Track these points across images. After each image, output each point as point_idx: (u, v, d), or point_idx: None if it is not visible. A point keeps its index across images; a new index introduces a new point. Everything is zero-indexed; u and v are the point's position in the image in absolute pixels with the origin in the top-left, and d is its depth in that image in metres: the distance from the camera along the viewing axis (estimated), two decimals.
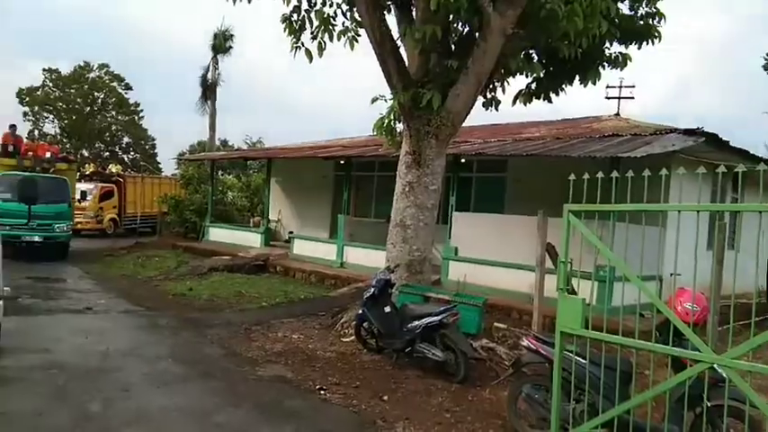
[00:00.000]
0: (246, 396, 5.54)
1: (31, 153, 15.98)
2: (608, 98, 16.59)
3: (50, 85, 37.22)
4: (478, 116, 15.08)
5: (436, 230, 9.36)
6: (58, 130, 38.27)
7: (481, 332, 7.70)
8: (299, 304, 10.55)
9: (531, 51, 8.96)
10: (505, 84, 9.23)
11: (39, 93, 36.74)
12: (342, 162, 15.79)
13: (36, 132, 37.15)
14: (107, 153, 38.08)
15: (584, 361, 4.36)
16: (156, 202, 22.61)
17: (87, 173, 25.80)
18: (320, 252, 14.59)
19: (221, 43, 35.77)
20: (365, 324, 7.46)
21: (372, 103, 9.30)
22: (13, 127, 16.32)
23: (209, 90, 36.29)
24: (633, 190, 4.01)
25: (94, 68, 38.81)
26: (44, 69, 37.10)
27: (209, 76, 36.43)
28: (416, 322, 6.67)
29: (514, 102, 9.61)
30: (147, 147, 40.50)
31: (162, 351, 6.98)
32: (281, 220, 18.93)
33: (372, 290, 7.20)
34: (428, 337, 6.65)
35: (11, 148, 15.91)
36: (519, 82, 9.43)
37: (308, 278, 13.38)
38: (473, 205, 13.59)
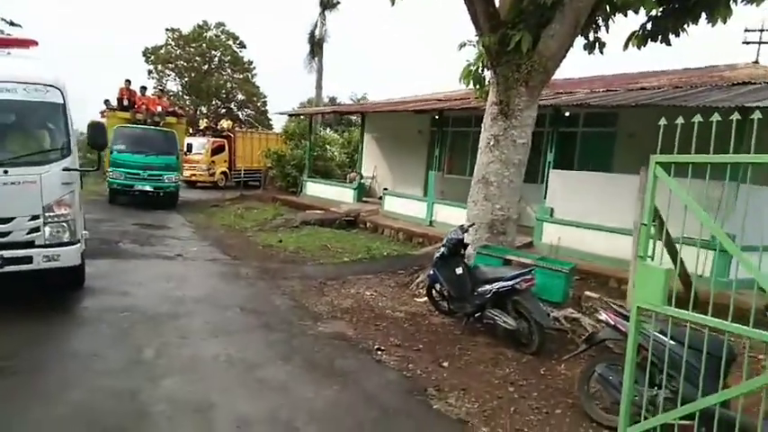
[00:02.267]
0: (300, 351, 5.38)
1: (144, 107, 16.96)
2: (746, 43, 14.34)
3: (172, 44, 39.56)
4: (590, 66, 13.68)
5: (532, 190, 8.62)
6: (179, 88, 40.81)
7: (568, 301, 7.00)
8: (380, 261, 10.32)
9: None
10: (611, 22, 8.06)
11: (162, 51, 39.22)
12: (437, 117, 15.16)
13: (160, 89, 39.82)
14: (223, 110, 40.05)
15: (666, 339, 3.67)
16: (260, 156, 23.42)
17: (201, 128, 27.30)
18: (410, 210, 14.24)
19: None
20: (437, 285, 7.05)
21: (460, 49, 8.63)
22: (128, 81, 17.38)
23: (316, 46, 36.66)
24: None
25: (212, 27, 40.61)
26: (167, 29, 39.57)
27: (317, 32, 36.84)
28: (487, 286, 6.13)
29: (626, 45, 8.37)
30: (258, 104, 42.12)
31: (233, 300, 7.05)
32: (375, 176, 18.78)
33: (442, 249, 6.73)
34: (500, 302, 6.10)
35: (126, 102, 17.02)
36: (632, 22, 8.23)
37: (395, 235, 13.13)
38: (577, 163, 12.49)
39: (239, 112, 41.89)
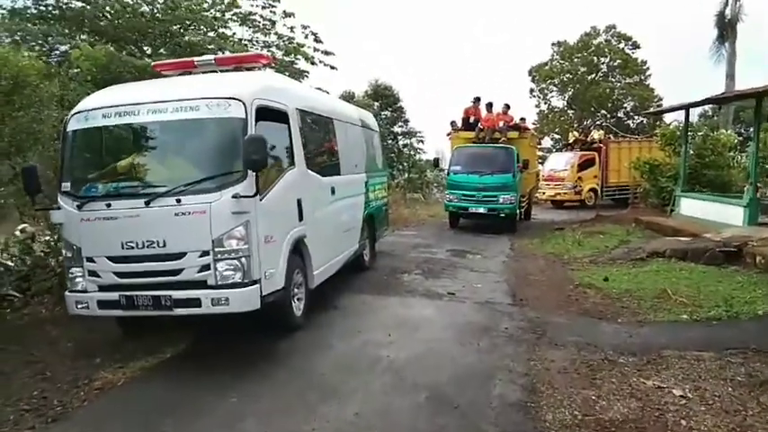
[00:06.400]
0: None
1: (486, 125, 15.97)
2: None
3: (558, 58, 38.16)
4: None
5: None
6: (563, 103, 39.06)
7: None
8: (743, 326, 6.28)
9: None
10: None
11: (547, 67, 38.24)
12: None
13: (544, 107, 38.99)
14: (612, 120, 36.29)
15: None
16: (630, 169, 19.57)
17: (569, 142, 24.98)
18: None
19: None
20: None
21: None
22: (476, 100, 16.69)
23: (727, 28, 29.83)
24: None
25: (601, 32, 37.52)
26: (552, 44, 38.31)
27: (727, 11, 29.88)
28: None
29: None
30: (652, 108, 36.59)
31: (439, 375, 4.89)
32: None
33: None
34: None
35: (472, 120, 16.37)
36: None
37: None
38: None
39: (629, 122, 37.30)
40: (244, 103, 5.20)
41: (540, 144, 28.75)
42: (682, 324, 6.54)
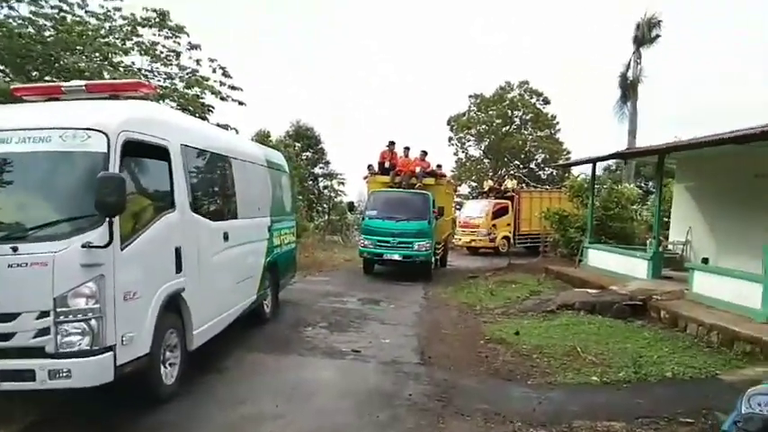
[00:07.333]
0: None
1: (402, 170, 15.77)
2: None
3: (474, 109, 39.56)
4: None
5: None
6: (479, 153, 40.29)
7: None
8: (654, 389, 6.06)
9: None
10: None
11: (464, 118, 39.49)
12: None
13: (463, 155, 40.00)
14: (524, 170, 37.77)
15: None
16: (540, 218, 20.04)
17: (484, 190, 25.48)
18: (734, 294, 9.04)
19: (645, 33, 31.22)
20: None
21: None
22: (391, 144, 16.54)
23: (629, 89, 32.00)
24: None
25: (515, 87, 39.34)
26: (470, 96, 39.77)
27: (630, 73, 32.13)
28: None
29: None
30: (561, 161, 38.53)
31: None
32: (690, 241, 13.51)
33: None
34: None
35: (387, 165, 16.12)
36: None
37: (705, 336, 8.26)
38: None
39: (540, 172, 38.98)
40: (107, 136, 4.44)
41: (456, 191, 29.16)
42: (592, 387, 6.24)
